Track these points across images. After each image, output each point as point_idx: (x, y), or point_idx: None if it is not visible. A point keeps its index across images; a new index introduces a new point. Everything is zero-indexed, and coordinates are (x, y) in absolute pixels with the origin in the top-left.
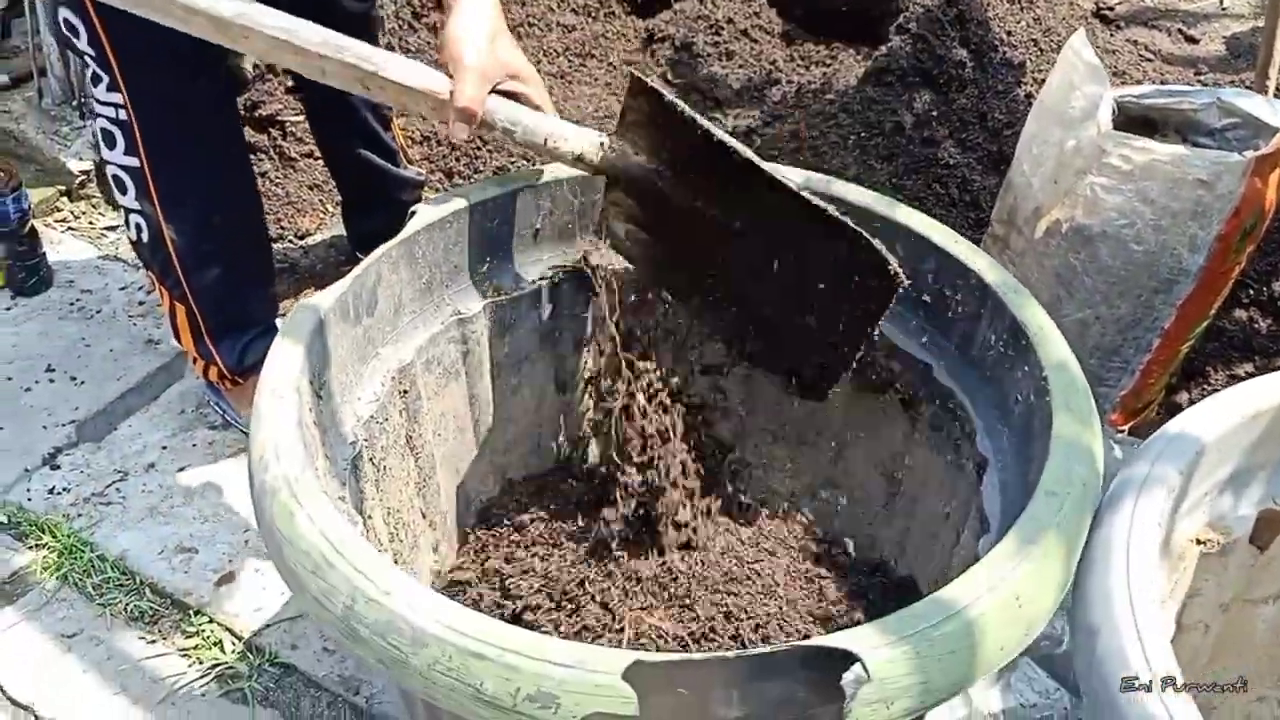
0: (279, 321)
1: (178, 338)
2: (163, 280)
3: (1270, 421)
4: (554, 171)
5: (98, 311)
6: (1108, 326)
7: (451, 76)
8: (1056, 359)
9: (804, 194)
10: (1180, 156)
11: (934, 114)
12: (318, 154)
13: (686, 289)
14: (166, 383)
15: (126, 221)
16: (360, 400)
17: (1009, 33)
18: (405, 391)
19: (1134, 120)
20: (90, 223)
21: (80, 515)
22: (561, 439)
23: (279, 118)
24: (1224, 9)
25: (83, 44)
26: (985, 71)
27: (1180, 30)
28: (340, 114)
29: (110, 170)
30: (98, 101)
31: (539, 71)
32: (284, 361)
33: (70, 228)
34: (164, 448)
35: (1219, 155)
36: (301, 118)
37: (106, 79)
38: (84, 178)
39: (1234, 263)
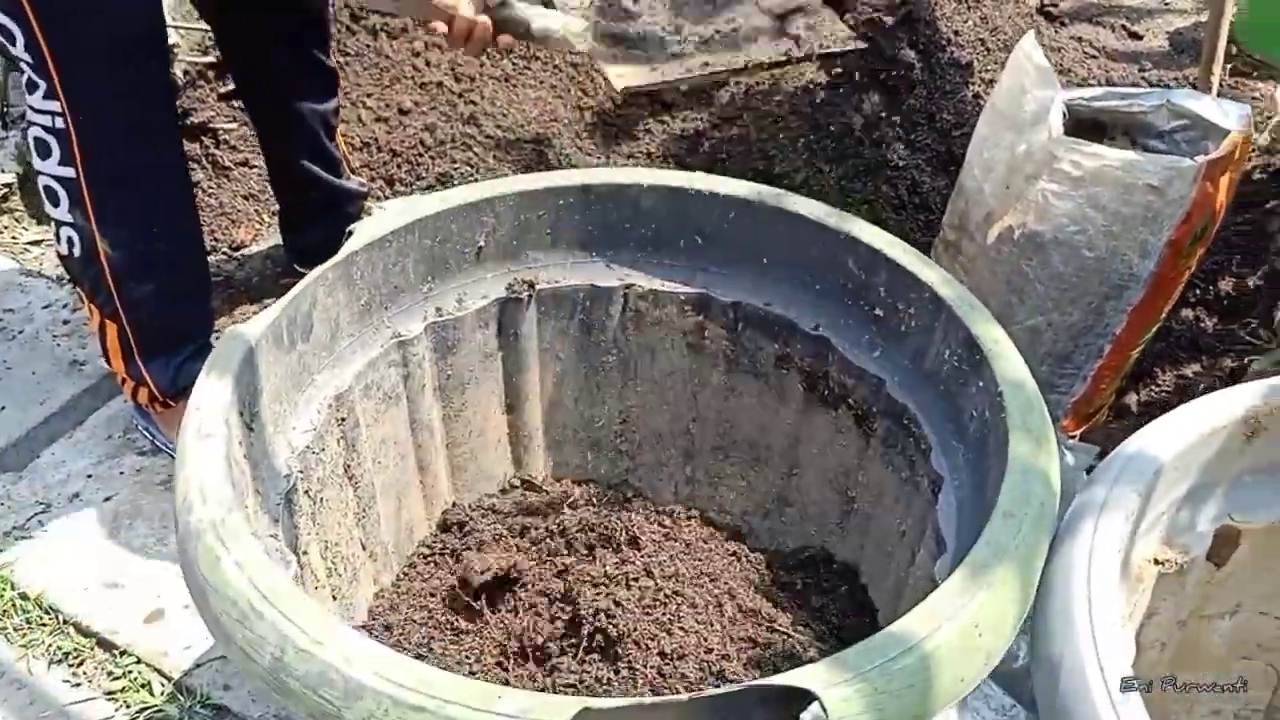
0: (214, 339)
1: (107, 358)
2: (93, 297)
3: (1226, 438)
4: (497, 188)
5: (20, 332)
6: (1059, 333)
7: None
8: (1012, 375)
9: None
10: (1131, 162)
11: (882, 115)
12: (253, 162)
13: None
14: (92, 406)
15: (57, 235)
16: (295, 430)
17: (956, 32)
18: (343, 419)
19: (1084, 123)
20: (13, 238)
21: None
22: (509, 462)
23: (211, 125)
24: (1166, 4)
25: (18, 49)
26: (933, 72)
27: (1124, 26)
28: (286, 122)
29: (42, 181)
30: (32, 109)
31: (483, 76)
32: (211, 395)
33: None
34: (89, 476)
35: (1170, 160)
36: (235, 125)
37: (44, 86)
38: (5, 191)
39: (1184, 267)
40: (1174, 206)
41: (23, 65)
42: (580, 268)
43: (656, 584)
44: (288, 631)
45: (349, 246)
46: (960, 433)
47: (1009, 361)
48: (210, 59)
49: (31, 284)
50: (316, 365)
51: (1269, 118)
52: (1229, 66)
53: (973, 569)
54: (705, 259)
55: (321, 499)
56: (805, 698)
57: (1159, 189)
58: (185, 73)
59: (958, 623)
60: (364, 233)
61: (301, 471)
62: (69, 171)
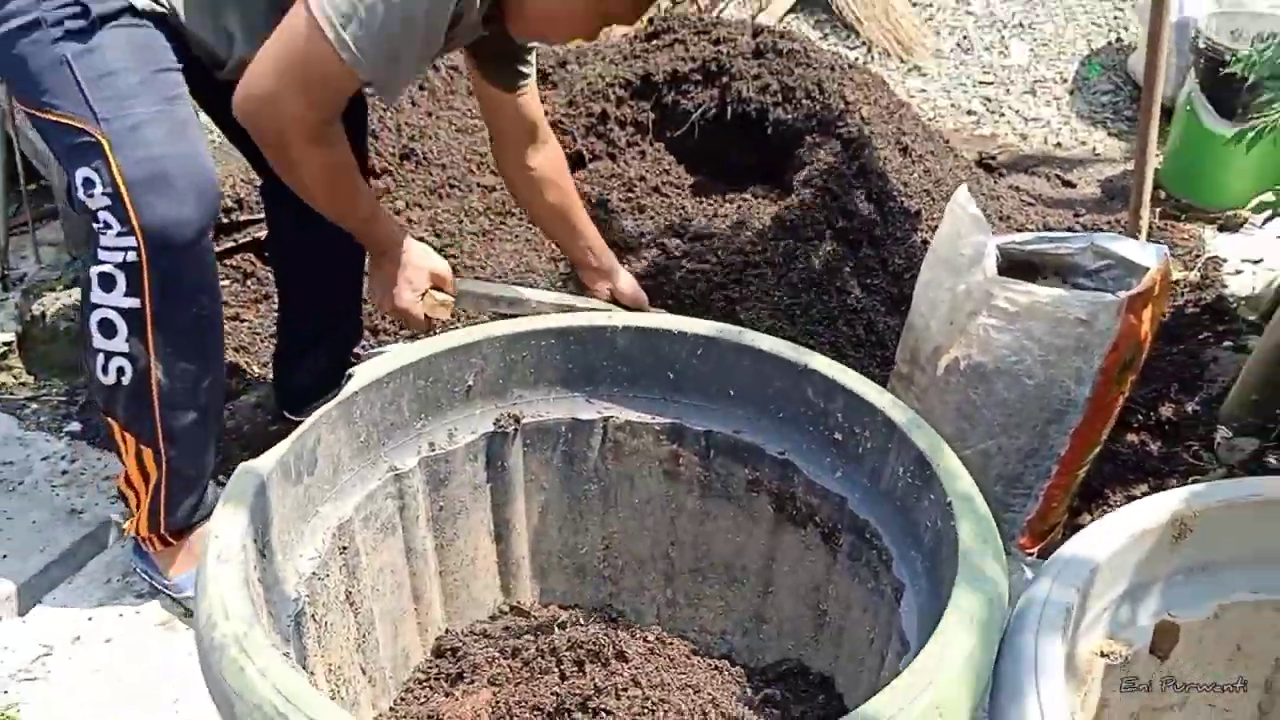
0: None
1: (131, 485)
2: (130, 425)
3: (1156, 540)
4: (485, 332)
5: (19, 483)
6: (1009, 456)
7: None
8: (959, 490)
9: None
10: (1060, 298)
11: (839, 261)
12: (243, 317)
13: None
14: (91, 553)
15: (105, 367)
16: (302, 558)
17: (905, 184)
18: (344, 548)
19: (1017, 264)
20: (10, 394)
21: (5, 693)
22: (498, 589)
23: None
24: (1096, 155)
25: (97, 194)
26: (886, 220)
27: (1058, 176)
28: (318, 277)
29: (100, 315)
30: (104, 249)
31: (462, 231)
32: (228, 524)
33: None
34: (90, 619)
35: (1095, 296)
36: (228, 282)
37: (118, 226)
38: (5, 349)
39: (1118, 392)
40: (1102, 337)
41: (100, 211)
42: (562, 402)
43: (644, 693)
44: None
45: (350, 387)
46: (917, 543)
47: (957, 477)
48: None
49: (30, 437)
50: (320, 497)
51: (1197, 257)
52: (1158, 210)
53: (932, 657)
54: (678, 392)
55: (326, 623)
56: None
57: (1087, 321)
58: None
59: (919, 705)
60: (363, 375)
61: (308, 596)
62: (135, 303)
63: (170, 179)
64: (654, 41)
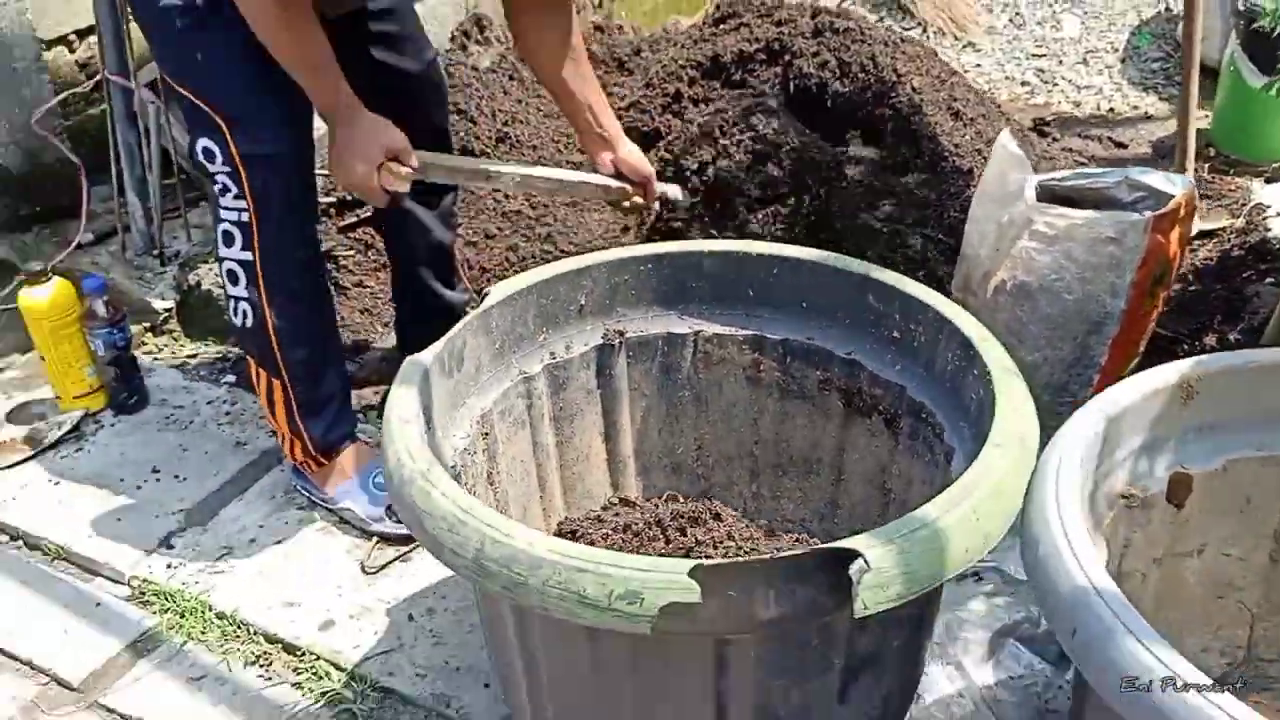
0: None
1: (273, 415)
2: (262, 362)
3: (1167, 399)
4: (593, 259)
5: (190, 423)
6: (1055, 366)
7: (636, 181)
8: (997, 361)
9: None
10: (1092, 219)
11: (899, 219)
12: (366, 283)
13: None
14: (256, 476)
15: (235, 309)
16: (456, 436)
17: (956, 145)
18: (486, 434)
19: (1058, 198)
20: (173, 353)
21: (196, 584)
22: (608, 485)
23: (334, 253)
24: (1148, 117)
25: (217, 164)
26: (940, 179)
27: (1110, 138)
28: (418, 243)
29: (226, 265)
30: (224, 209)
31: (556, 203)
32: (403, 398)
33: (156, 358)
34: (260, 526)
35: (1123, 215)
36: (352, 253)
37: (234, 189)
38: (167, 315)
39: (1151, 306)
40: (1132, 254)
41: (218, 176)
42: (659, 319)
43: (738, 544)
44: (486, 531)
45: (486, 302)
46: (965, 413)
47: (994, 350)
48: (332, 199)
49: (195, 386)
50: (467, 391)
51: (1244, 206)
52: (1207, 165)
53: (972, 476)
54: (757, 306)
55: (475, 493)
56: (853, 556)
57: (1117, 239)
58: None
59: (961, 509)
60: (496, 293)
61: (461, 468)
62: (249, 255)
63: (277, 156)
64: (721, 26)
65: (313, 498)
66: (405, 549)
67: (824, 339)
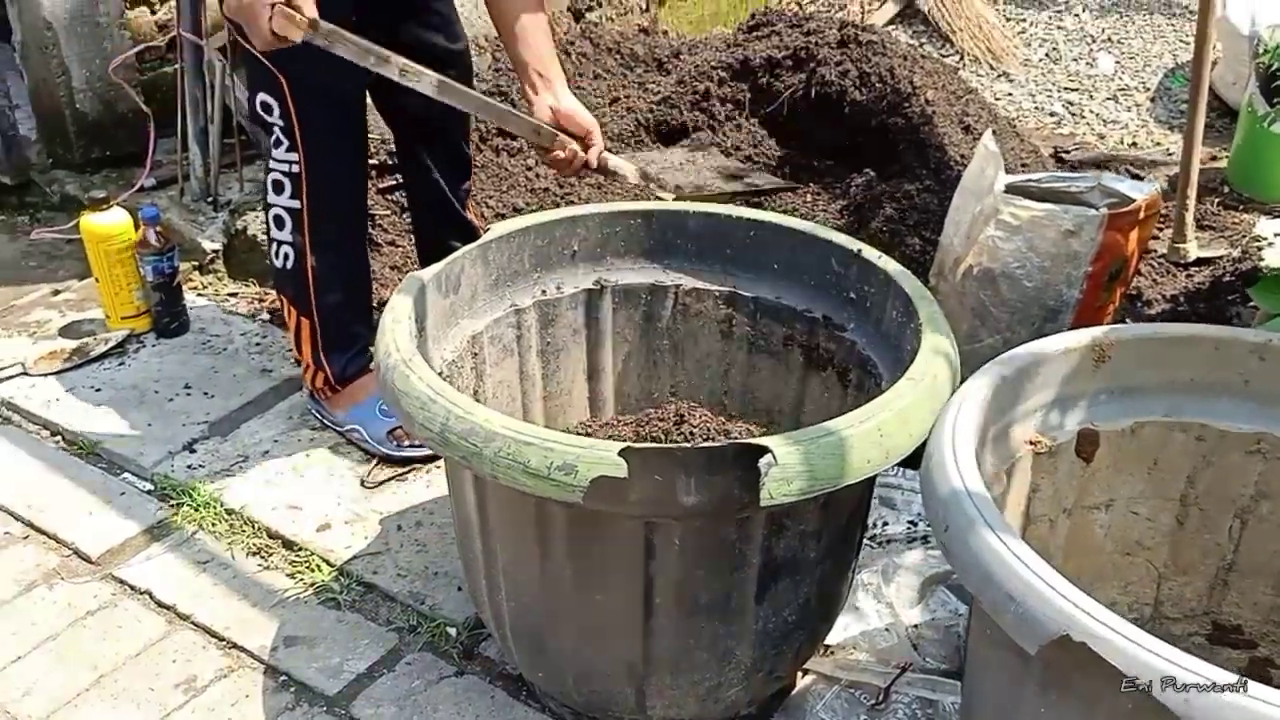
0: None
1: (298, 348)
2: (294, 301)
3: (1080, 358)
4: (588, 210)
5: (224, 349)
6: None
7: (574, 134)
8: (928, 315)
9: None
10: (1053, 212)
11: (899, 221)
12: (398, 243)
13: None
14: (276, 400)
15: (276, 253)
16: (446, 349)
17: (962, 156)
18: (475, 354)
19: (1034, 199)
20: (216, 291)
21: (212, 483)
22: (588, 417)
23: (371, 212)
24: (1169, 155)
25: (274, 118)
26: (943, 187)
27: (1128, 169)
28: (436, 202)
29: (273, 211)
30: (275, 160)
31: (581, 183)
32: (400, 302)
33: (200, 293)
34: (275, 441)
35: (1080, 210)
36: (388, 213)
37: (287, 142)
38: (214, 255)
39: (1107, 300)
40: (1087, 247)
41: (274, 129)
42: (645, 270)
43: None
44: (450, 409)
45: (487, 236)
46: (900, 365)
47: (929, 308)
48: (374, 162)
49: (232, 319)
50: (461, 313)
51: (1243, 237)
52: (1218, 201)
53: (884, 400)
54: (734, 265)
55: None
56: (764, 452)
57: (1074, 233)
58: None
59: (866, 425)
60: (498, 230)
61: (448, 377)
62: (296, 204)
63: (329, 117)
64: (753, 33)
65: (325, 420)
66: (402, 470)
67: (791, 298)
